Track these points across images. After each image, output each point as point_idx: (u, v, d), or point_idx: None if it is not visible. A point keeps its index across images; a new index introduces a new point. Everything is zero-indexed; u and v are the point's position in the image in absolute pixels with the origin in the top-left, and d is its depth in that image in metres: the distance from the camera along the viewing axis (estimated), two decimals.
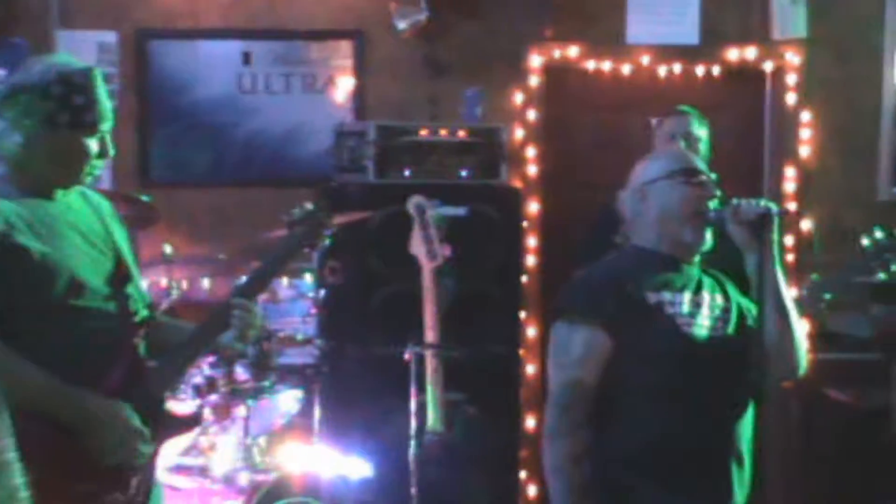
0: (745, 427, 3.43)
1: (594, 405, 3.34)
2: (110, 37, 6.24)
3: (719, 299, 3.50)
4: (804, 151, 6.37)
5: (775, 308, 3.38)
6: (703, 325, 3.43)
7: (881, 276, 3.58)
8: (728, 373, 3.40)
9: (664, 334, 3.38)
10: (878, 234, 3.94)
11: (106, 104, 3.20)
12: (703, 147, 4.95)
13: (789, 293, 3.41)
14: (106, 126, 3.20)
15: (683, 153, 3.57)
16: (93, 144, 3.18)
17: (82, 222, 3.25)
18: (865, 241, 4.08)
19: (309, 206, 3.65)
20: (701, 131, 5.00)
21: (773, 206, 3.36)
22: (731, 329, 3.46)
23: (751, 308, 3.46)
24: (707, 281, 3.52)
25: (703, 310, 3.45)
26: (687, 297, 3.44)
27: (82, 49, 6.11)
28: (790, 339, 3.42)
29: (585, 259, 3.78)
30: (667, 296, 3.42)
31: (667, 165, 3.50)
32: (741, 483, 3.42)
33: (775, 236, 3.34)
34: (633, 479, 3.35)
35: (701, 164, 3.51)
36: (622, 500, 3.36)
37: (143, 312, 3.34)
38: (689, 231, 3.46)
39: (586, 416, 3.32)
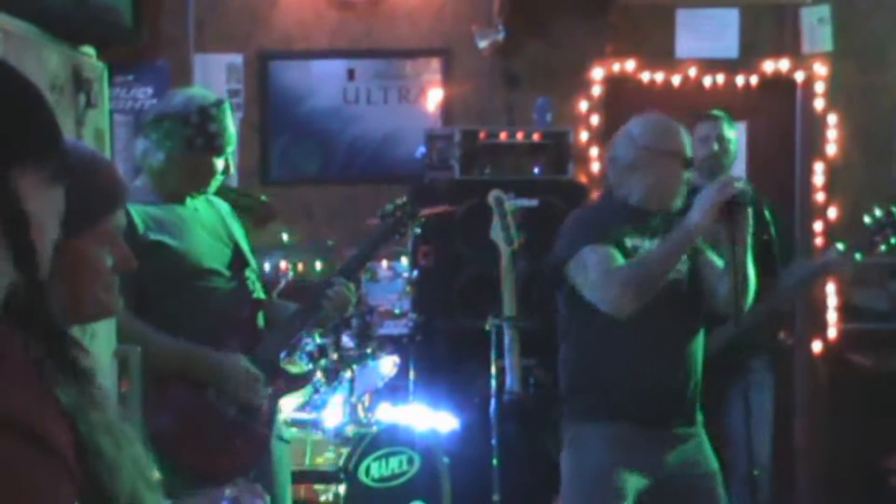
0: (698, 349, 3.48)
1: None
2: (237, 59, 6.29)
3: None
4: (830, 149, 6.33)
5: (735, 267, 3.29)
6: None
7: (882, 248, 3.51)
8: (682, 304, 3.44)
9: None
10: (878, 212, 3.84)
11: (232, 131, 3.32)
12: (732, 147, 4.86)
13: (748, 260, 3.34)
14: (230, 149, 3.33)
15: (678, 131, 3.43)
16: (219, 163, 3.30)
17: (207, 221, 3.37)
18: (867, 219, 3.96)
19: (399, 201, 3.82)
20: (731, 133, 4.87)
21: (745, 191, 3.24)
22: (685, 269, 3.46)
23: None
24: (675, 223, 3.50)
25: None
26: (657, 242, 3.44)
27: (214, 69, 6.25)
28: (742, 294, 3.33)
29: None
30: (637, 241, 3.43)
31: (671, 144, 3.42)
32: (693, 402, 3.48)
33: (747, 218, 3.23)
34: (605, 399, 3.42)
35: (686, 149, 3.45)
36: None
37: (260, 292, 3.44)
38: (678, 201, 3.46)
39: None
